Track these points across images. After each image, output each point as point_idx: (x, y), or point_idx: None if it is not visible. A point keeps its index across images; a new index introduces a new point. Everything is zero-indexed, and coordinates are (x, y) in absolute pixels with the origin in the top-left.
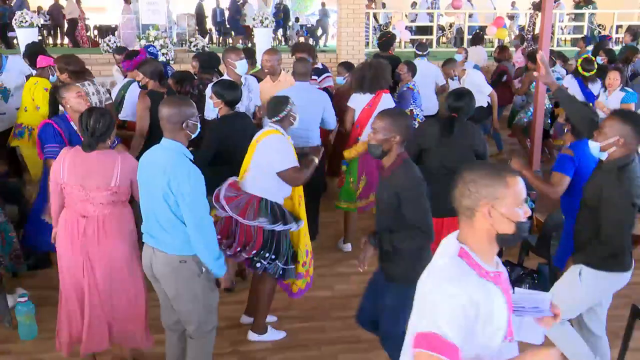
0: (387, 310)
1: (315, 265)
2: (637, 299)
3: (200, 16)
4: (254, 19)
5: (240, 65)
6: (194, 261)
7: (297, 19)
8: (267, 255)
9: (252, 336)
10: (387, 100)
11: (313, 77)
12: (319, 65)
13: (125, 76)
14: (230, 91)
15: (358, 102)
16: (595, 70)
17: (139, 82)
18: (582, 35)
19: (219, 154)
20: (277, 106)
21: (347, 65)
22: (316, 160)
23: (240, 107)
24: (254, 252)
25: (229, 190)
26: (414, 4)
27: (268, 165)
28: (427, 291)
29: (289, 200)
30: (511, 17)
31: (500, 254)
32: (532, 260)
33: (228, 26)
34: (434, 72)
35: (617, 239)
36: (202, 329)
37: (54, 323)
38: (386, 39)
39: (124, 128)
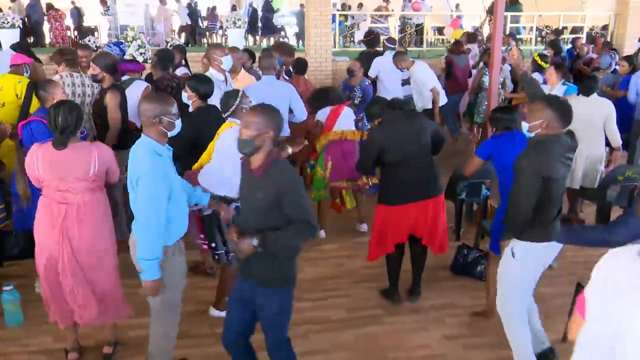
0: (272, 319)
1: None
2: (581, 277)
3: (194, 14)
4: (227, 20)
5: (226, 61)
6: None
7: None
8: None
9: (213, 312)
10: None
11: (285, 77)
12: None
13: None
14: (203, 85)
15: (322, 113)
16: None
17: (96, 75)
18: (508, 33)
19: (194, 144)
20: (228, 100)
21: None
22: (289, 150)
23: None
24: (202, 239)
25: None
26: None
27: (230, 153)
28: None
29: None
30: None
31: (457, 238)
32: (486, 243)
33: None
34: None
35: (524, 206)
36: (160, 313)
37: (39, 310)
38: (373, 38)
39: None
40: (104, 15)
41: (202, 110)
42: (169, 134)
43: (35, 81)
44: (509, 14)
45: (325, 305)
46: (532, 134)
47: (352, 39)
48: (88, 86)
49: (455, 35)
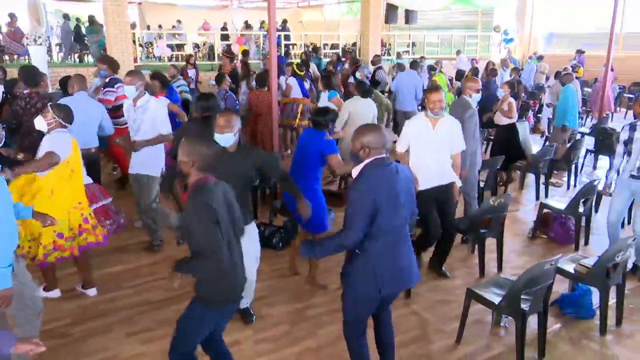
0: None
1: (114, 245)
2: None
3: None
4: (27, 38)
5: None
6: None
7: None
8: None
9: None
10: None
11: (109, 88)
12: (115, 76)
13: None
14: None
15: None
16: (304, 72)
17: None
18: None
19: None
20: None
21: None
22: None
23: None
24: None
25: None
26: (173, 27)
27: None
28: None
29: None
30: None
31: (255, 216)
32: (280, 219)
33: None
34: None
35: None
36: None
37: None
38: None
39: None
40: None
41: None
42: None
43: None
44: (282, 33)
45: (145, 289)
46: None
47: (152, 54)
48: None
49: (240, 49)
